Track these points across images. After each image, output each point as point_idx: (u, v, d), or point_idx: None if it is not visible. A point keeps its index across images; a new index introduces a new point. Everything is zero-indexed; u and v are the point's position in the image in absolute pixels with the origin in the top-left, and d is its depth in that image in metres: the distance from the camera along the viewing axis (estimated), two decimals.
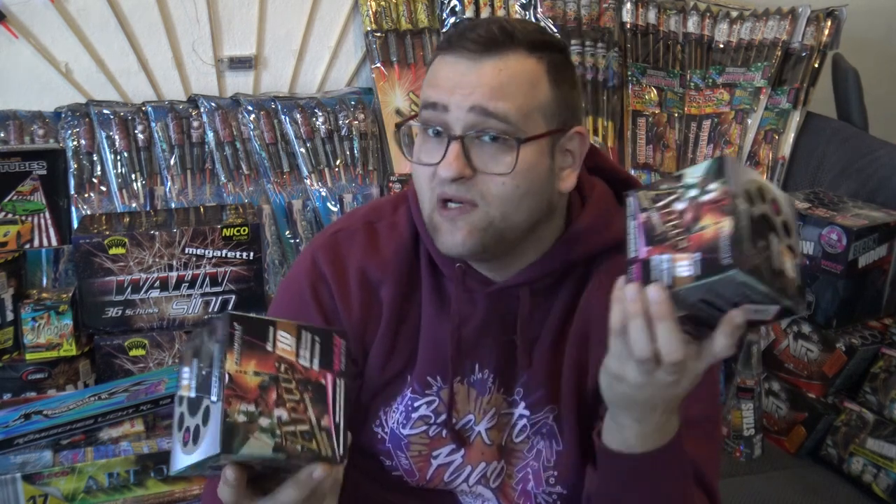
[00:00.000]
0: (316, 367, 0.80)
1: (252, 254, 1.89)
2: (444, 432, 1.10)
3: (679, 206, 0.83)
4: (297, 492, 0.78)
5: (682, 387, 0.87)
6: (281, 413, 0.75)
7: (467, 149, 0.97)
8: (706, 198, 0.82)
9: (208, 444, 0.73)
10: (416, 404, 1.09)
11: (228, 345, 0.74)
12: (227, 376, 0.73)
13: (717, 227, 0.80)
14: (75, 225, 2.00)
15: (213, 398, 0.74)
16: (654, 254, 0.83)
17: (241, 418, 0.73)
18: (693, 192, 0.83)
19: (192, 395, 0.77)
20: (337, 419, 0.79)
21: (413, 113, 1.18)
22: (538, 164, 1.00)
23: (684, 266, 0.82)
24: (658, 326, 0.82)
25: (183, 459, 0.77)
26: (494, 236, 1.00)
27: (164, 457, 1.58)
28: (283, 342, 0.78)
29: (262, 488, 0.82)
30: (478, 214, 0.98)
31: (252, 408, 0.73)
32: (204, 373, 0.76)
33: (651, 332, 0.82)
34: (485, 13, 2.40)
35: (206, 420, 0.74)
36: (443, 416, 1.09)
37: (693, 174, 0.84)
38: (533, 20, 2.42)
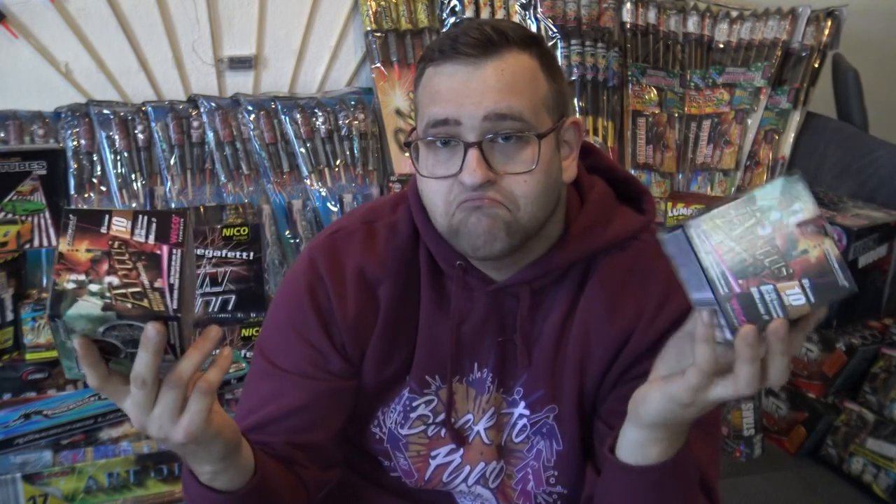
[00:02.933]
0: (151, 241, 0.84)
1: (252, 254, 1.89)
2: (443, 432, 1.09)
3: (763, 231, 0.81)
4: (145, 354, 0.79)
5: None
6: (112, 279, 0.80)
7: (485, 153, 0.96)
8: (794, 219, 0.80)
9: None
10: (414, 404, 1.09)
11: (63, 232, 0.80)
12: (58, 255, 0.79)
13: (821, 249, 0.80)
14: None
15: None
16: (753, 286, 0.81)
17: (70, 286, 0.78)
18: (776, 216, 0.81)
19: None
20: (172, 280, 0.83)
21: (412, 126, 1.17)
22: (553, 159, 1.00)
23: (794, 294, 0.80)
24: (780, 360, 0.81)
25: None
26: (522, 237, 0.99)
27: (164, 457, 1.58)
28: (118, 225, 0.83)
29: None
30: (504, 215, 0.97)
31: (81, 277, 0.79)
32: None
33: (764, 369, 0.82)
34: (485, 13, 2.40)
35: None
36: (441, 416, 1.09)
37: (767, 196, 0.81)
38: (533, 20, 2.43)
